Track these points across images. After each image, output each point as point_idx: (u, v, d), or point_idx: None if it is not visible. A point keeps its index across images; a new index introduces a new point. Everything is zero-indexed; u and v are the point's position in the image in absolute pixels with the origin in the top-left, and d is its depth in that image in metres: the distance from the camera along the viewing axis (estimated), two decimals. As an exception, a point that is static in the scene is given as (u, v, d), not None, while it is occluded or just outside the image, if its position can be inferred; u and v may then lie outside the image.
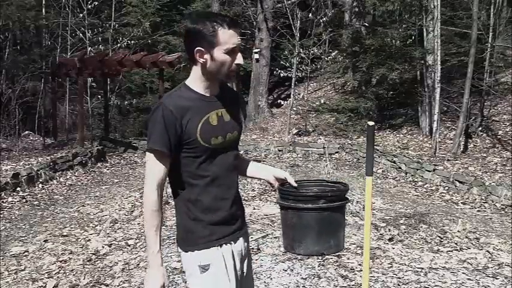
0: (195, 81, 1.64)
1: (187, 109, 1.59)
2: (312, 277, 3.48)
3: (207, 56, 1.57)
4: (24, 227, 5.32)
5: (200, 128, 1.59)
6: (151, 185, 1.58)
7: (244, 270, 1.76)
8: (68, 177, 8.14)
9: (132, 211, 5.61)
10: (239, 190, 1.80)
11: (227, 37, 1.54)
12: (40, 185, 7.25)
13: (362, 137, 11.28)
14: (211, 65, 1.58)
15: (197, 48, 1.57)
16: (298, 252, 1.67)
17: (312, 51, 12.62)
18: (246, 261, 1.77)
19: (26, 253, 4.33)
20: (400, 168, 8.60)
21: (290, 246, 1.66)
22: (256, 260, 3.83)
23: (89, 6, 13.17)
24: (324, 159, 8.34)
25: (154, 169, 1.59)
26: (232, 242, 1.69)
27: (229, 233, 1.68)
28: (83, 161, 9.13)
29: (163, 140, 1.55)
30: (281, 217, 1.69)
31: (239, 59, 1.60)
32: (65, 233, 4.94)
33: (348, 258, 3.86)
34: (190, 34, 1.58)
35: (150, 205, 1.58)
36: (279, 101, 14.45)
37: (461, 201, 6.57)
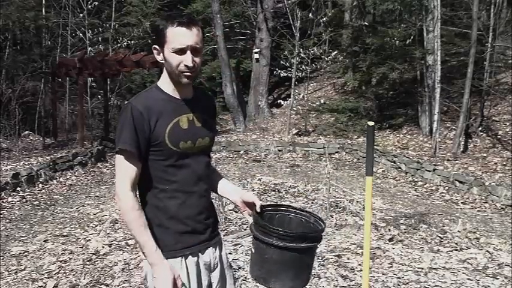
0: (165, 82, 1.62)
1: (156, 110, 1.56)
2: (312, 277, 3.47)
3: (161, 55, 1.56)
4: (24, 227, 5.32)
5: (169, 131, 1.55)
6: (124, 186, 1.54)
7: (214, 281, 1.72)
8: (68, 177, 8.14)
9: (132, 211, 5.61)
10: (211, 199, 1.75)
11: (174, 36, 1.50)
12: (40, 185, 7.25)
13: (362, 137, 11.28)
14: (165, 65, 1.57)
15: (153, 46, 1.58)
16: (273, 286, 1.61)
17: (312, 51, 12.61)
18: (216, 271, 1.73)
19: (26, 253, 4.33)
20: (400, 168, 8.61)
21: (263, 279, 1.61)
22: (256, 260, 3.83)
23: (89, 6, 13.16)
24: (324, 159, 8.35)
25: (126, 171, 1.54)
26: (199, 254, 1.65)
27: (196, 243, 1.63)
28: (83, 161, 9.13)
29: (133, 140, 1.52)
30: (257, 249, 1.62)
31: (186, 59, 1.51)
32: (65, 233, 4.94)
33: (348, 258, 3.86)
34: (152, 32, 1.60)
35: (129, 206, 1.53)
36: (279, 101, 14.44)
37: (461, 201, 6.57)
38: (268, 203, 1.70)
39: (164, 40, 1.52)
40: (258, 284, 3.39)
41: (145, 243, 1.53)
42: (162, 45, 1.54)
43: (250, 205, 1.74)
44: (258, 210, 1.69)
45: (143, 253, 1.56)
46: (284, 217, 1.75)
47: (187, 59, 1.52)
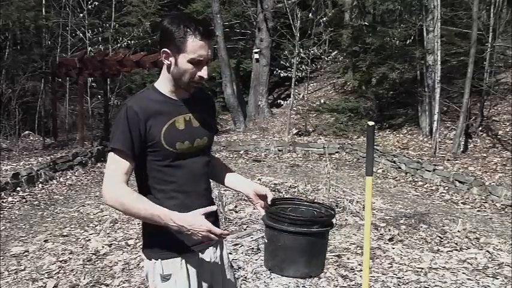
0: (163, 82, 1.61)
1: (152, 111, 1.55)
2: (312, 277, 3.47)
3: (172, 59, 1.54)
4: (24, 227, 5.32)
5: (164, 132, 1.55)
6: (114, 182, 1.50)
7: (214, 281, 1.72)
8: (68, 177, 8.14)
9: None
10: (212, 198, 1.75)
11: (195, 47, 1.49)
12: (40, 185, 7.25)
13: (362, 137, 11.28)
14: (174, 70, 1.55)
15: (164, 49, 1.55)
16: (287, 274, 1.64)
17: (312, 51, 12.61)
18: (217, 271, 1.73)
19: (26, 253, 4.33)
20: (400, 168, 8.60)
21: (278, 268, 1.63)
22: (256, 260, 3.83)
23: (89, 6, 13.15)
24: (324, 159, 8.35)
25: (116, 168, 1.52)
26: (199, 254, 1.66)
27: (196, 243, 1.62)
28: (83, 161, 9.13)
29: (126, 140, 1.51)
30: (270, 238, 1.65)
31: (203, 72, 1.53)
32: (65, 233, 4.94)
33: (348, 258, 3.86)
34: (162, 33, 1.55)
35: (123, 194, 1.49)
36: (279, 101, 14.44)
37: (461, 201, 6.57)
38: (277, 209, 1.73)
39: (183, 49, 1.50)
40: (258, 284, 3.39)
41: (155, 210, 1.49)
42: (177, 52, 1.52)
43: (263, 198, 1.74)
44: (270, 202, 1.71)
45: (159, 222, 1.50)
46: (296, 210, 1.77)
47: (205, 71, 1.54)
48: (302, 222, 1.58)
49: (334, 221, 1.74)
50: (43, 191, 7.10)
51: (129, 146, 1.51)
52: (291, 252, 1.59)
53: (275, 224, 1.60)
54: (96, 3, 13.11)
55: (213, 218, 1.74)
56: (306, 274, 1.65)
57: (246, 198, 6.05)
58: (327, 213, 1.74)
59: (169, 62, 1.55)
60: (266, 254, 1.70)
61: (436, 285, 3.42)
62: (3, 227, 5.25)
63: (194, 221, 1.45)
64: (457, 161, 8.03)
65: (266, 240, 1.68)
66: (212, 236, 1.47)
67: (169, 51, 1.53)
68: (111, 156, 1.53)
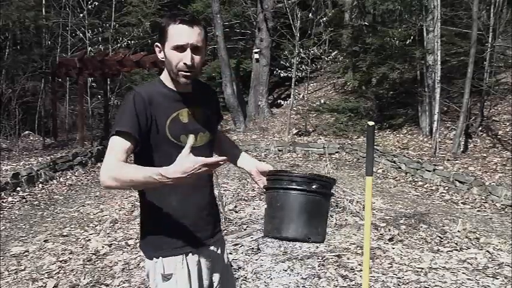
0: (166, 76, 1.63)
1: (158, 102, 1.56)
2: (312, 277, 3.47)
3: (162, 52, 1.57)
4: (24, 227, 5.32)
5: (169, 124, 1.55)
6: (109, 161, 1.41)
7: (215, 280, 1.72)
8: (68, 177, 8.14)
9: (132, 211, 5.62)
10: (215, 194, 1.75)
11: (175, 33, 1.50)
12: (40, 185, 7.25)
13: (362, 137, 11.28)
14: (166, 62, 1.57)
15: (155, 44, 1.58)
16: (286, 235, 1.57)
17: (312, 51, 12.61)
18: (217, 270, 1.72)
19: (26, 253, 4.33)
20: (400, 168, 8.60)
21: (276, 230, 1.57)
22: (256, 260, 3.83)
23: (89, 6, 13.15)
24: (324, 159, 8.35)
25: (117, 150, 1.44)
26: (200, 252, 1.64)
27: (197, 241, 1.62)
28: (83, 161, 9.13)
29: (133, 124, 1.48)
30: (268, 200, 1.64)
31: (185, 57, 1.50)
32: (65, 233, 4.94)
33: (348, 258, 3.86)
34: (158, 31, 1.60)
35: (113, 168, 1.39)
36: (279, 101, 14.44)
37: (461, 201, 6.57)
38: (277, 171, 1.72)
39: (165, 37, 1.52)
40: (258, 284, 3.39)
41: (148, 172, 1.35)
42: (163, 43, 1.54)
43: (266, 175, 1.76)
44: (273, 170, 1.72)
45: (154, 182, 1.35)
46: None
47: (187, 56, 1.51)
48: (301, 179, 1.57)
49: (334, 189, 1.70)
50: (43, 191, 7.09)
51: (136, 129, 1.48)
52: (289, 211, 1.56)
53: (274, 185, 1.59)
54: (96, 3, 13.11)
55: (214, 215, 1.75)
56: (305, 236, 1.58)
57: (246, 198, 6.07)
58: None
59: (162, 56, 1.58)
60: (265, 222, 1.67)
61: (436, 285, 3.42)
62: (3, 227, 5.25)
63: (186, 164, 1.30)
64: (457, 161, 8.03)
65: (266, 206, 1.65)
66: (207, 169, 1.32)
67: (159, 44, 1.57)
68: (114, 140, 1.46)
